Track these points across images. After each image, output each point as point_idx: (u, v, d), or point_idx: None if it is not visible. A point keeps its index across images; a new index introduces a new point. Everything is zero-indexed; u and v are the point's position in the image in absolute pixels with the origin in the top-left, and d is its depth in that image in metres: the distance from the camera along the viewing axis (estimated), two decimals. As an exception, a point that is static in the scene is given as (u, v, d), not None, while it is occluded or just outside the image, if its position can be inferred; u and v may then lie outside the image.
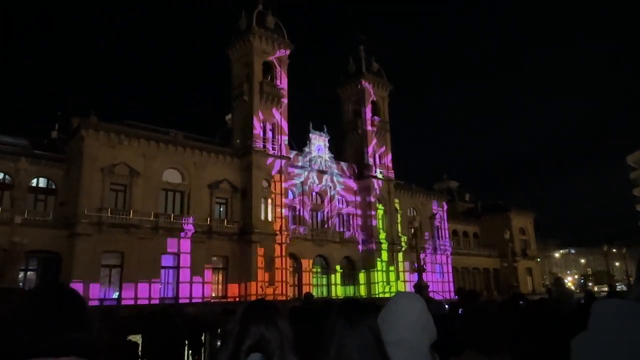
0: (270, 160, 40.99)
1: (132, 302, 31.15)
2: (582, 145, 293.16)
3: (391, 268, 48.49)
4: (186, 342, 11.60)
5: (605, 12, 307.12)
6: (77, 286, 27.67)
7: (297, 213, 44.32)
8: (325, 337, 2.02)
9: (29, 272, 32.32)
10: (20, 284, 28.78)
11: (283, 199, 41.24)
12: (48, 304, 1.41)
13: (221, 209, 39.64)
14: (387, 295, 40.36)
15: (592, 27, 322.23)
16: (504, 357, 2.56)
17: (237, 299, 36.28)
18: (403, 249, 50.21)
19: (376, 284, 46.25)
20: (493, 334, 2.57)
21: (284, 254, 39.79)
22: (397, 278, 48.46)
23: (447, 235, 59.33)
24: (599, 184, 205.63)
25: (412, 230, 50.63)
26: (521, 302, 12.62)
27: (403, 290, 45.34)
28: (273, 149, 41.81)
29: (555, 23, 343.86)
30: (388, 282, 47.37)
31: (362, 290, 46.24)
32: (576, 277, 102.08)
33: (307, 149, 46.66)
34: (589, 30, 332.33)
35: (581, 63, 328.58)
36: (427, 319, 2.38)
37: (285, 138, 42.87)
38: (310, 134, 47.14)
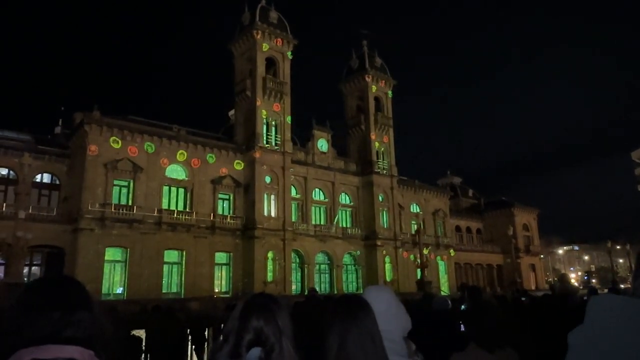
0: (273, 155, 40.97)
1: (135, 297, 31.25)
2: (586, 141, 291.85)
3: (394, 264, 48.54)
4: (189, 337, 11.65)
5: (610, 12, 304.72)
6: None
7: (300, 209, 44.34)
8: (326, 333, 2.02)
9: (33, 267, 32.51)
10: (25, 278, 28.96)
11: (286, 195, 41.26)
12: (49, 293, 1.41)
13: (224, 205, 39.70)
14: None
15: (595, 24, 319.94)
16: (506, 352, 2.57)
17: (240, 295, 36.39)
18: (406, 245, 50.18)
19: (379, 280, 46.24)
20: (495, 329, 2.57)
21: (287, 249, 39.86)
22: (400, 274, 48.44)
23: (451, 232, 59.25)
24: (603, 180, 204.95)
25: (415, 226, 50.74)
26: (523, 299, 12.62)
27: (405, 286, 45.35)
28: (276, 144, 41.79)
29: (559, 22, 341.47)
30: (391, 278, 47.41)
31: (365, 286, 46.19)
32: (580, 273, 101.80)
33: (310, 145, 46.62)
34: (592, 28, 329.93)
35: (586, 59, 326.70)
36: (397, 308, 2.38)
37: (288, 134, 42.84)
38: (313, 130, 47.09)
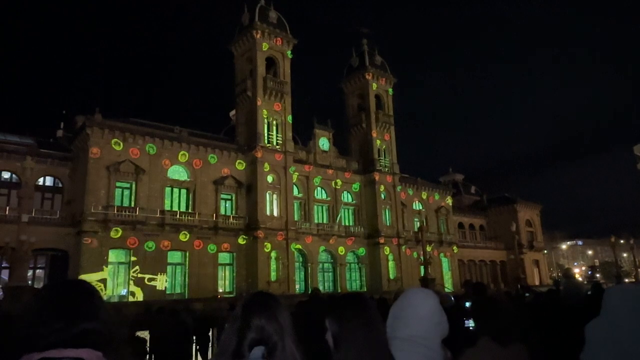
0: (274, 155, 40.96)
1: (139, 299, 31.33)
2: (588, 136, 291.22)
3: (397, 262, 48.50)
4: (194, 337, 11.66)
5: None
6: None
7: (303, 208, 44.33)
8: (336, 333, 1.99)
9: (37, 270, 32.59)
10: (29, 281, 29.04)
11: (288, 194, 41.26)
12: (60, 296, 1.41)
13: (227, 205, 39.72)
14: (392, 289, 40.35)
15: (595, 24, 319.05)
16: (518, 347, 2.56)
17: (244, 295, 36.38)
18: (409, 242, 50.13)
19: (382, 278, 46.21)
20: (512, 323, 2.57)
21: (290, 249, 39.86)
22: (403, 272, 48.39)
23: (454, 228, 59.17)
24: (606, 175, 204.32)
25: (418, 223, 50.64)
26: (527, 295, 12.59)
27: (408, 284, 45.30)
28: (277, 144, 41.77)
29: (560, 21, 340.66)
30: (394, 276, 47.36)
31: (369, 284, 46.22)
32: (583, 268, 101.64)
33: (311, 144, 46.60)
34: (592, 28, 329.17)
35: (586, 59, 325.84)
36: (440, 315, 2.33)
37: (289, 133, 42.81)
38: (314, 129, 47.04)
